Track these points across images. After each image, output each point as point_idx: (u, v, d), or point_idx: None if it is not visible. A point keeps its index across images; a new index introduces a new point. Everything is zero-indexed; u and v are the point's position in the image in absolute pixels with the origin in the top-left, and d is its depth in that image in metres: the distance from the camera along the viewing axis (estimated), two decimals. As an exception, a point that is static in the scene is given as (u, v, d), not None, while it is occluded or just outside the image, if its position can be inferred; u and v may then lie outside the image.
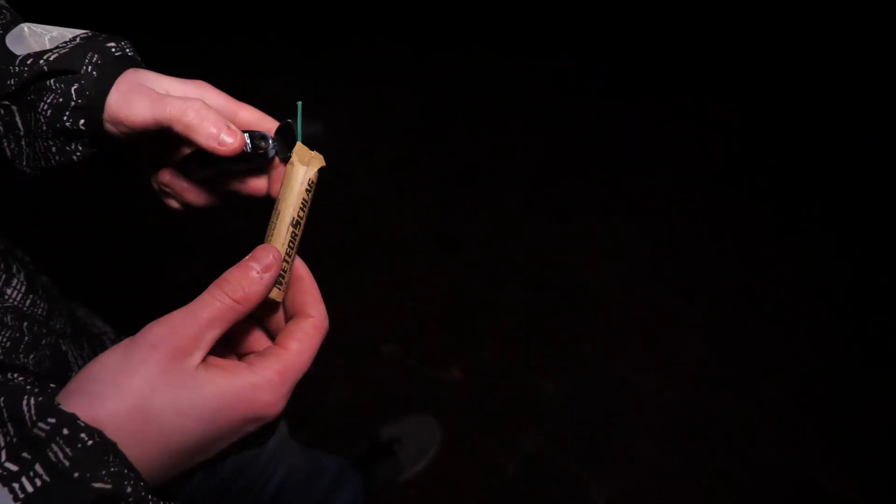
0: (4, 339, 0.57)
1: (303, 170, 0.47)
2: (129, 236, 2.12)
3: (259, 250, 0.43)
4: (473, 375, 1.83)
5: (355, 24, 3.10)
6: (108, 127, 0.50)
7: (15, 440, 0.33)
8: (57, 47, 0.51)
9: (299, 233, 0.46)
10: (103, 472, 0.33)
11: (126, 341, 0.38)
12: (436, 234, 2.17)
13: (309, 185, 0.47)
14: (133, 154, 0.56)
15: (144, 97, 0.49)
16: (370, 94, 2.71)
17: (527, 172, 2.36)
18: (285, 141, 0.53)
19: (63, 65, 0.50)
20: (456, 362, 1.86)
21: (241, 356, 0.45)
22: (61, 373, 0.62)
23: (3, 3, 0.56)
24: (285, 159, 0.52)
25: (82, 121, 0.50)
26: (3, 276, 0.58)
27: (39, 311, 0.61)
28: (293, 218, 0.46)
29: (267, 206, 0.51)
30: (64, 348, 0.64)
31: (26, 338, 0.59)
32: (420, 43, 2.97)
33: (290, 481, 1.24)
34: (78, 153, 0.53)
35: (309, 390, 1.59)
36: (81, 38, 0.52)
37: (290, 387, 0.41)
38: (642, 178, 2.39)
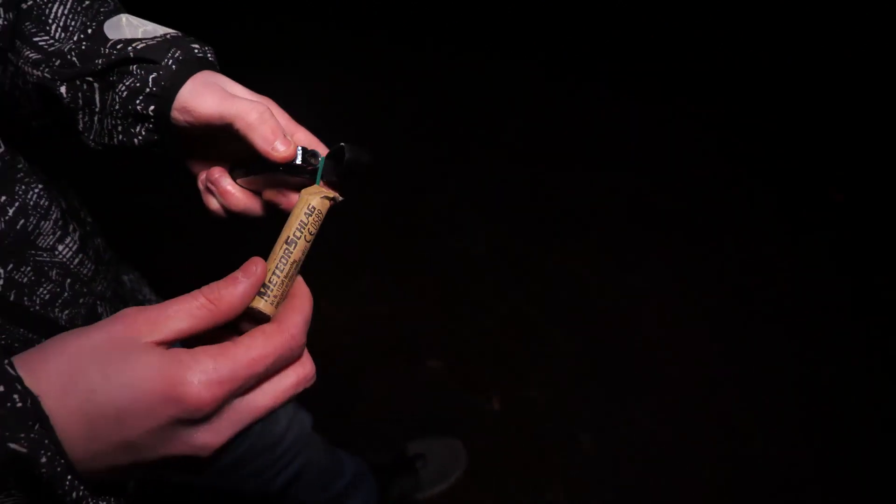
0: (44, 292, 0.60)
1: (307, 197, 0.49)
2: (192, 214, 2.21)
3: (247, 262, 0.44)
4: (512, 410, 1.80)
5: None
6: (175, 115, 0.54)
7: None
8: (146, 38, 0.55)
9: (294, 251, 0.47)
10: (22, 436, 0.34)
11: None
12: (509, 259, 2.15)
13: (309, 209, 0.49)
14: (188, 147, 0.60)
15: (215, 93, 0.53)
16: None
17: (615, 214, 2.31)
18: (335, 164, 0.55)
19: (147, 54, 0.54)
20: (498, 393, 1.84)
21: None
22: None
23: None
24: (330, 182, 0.55)
25: (152, 107, 0.54)
26: (59, 233, 0.62)
27: (85, 271, 0.65)
28: (288, 237, 0.48)
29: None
30: (100, 310, 0.67)
31: (66, 294, 0.62)
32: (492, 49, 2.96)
33: (306, 474, 1.26)
34: (140, 137, 0.57)
35: (344, 388, 1.60)
36: (171, 36, 0.56)
37: (225, 379, 0.38)
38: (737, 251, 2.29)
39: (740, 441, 1.74)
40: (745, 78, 2.83)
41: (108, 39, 0.56)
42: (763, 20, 2.98)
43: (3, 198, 0.56)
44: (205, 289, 0.42)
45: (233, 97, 0.53)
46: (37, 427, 0.35)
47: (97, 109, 0.57)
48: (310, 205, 0.49)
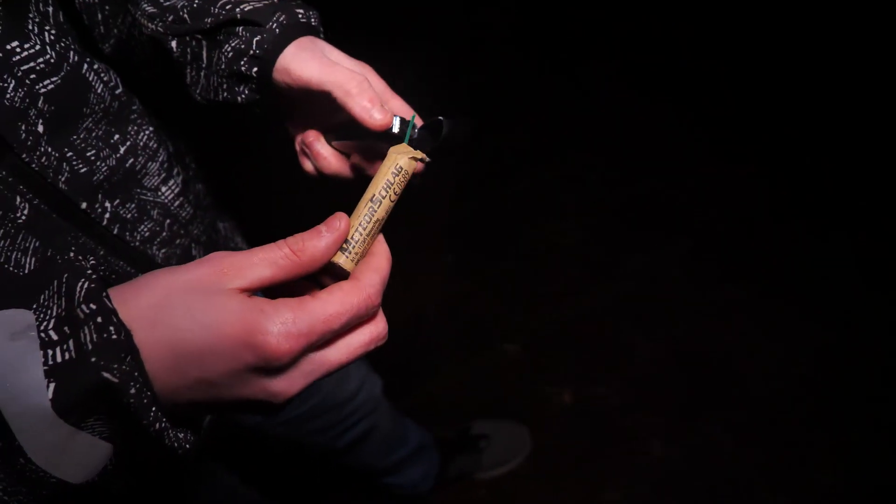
0: (145, 230, 0.64)
1: (395, 156, 0.49)
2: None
3: (331, 216, 0.45)
4: (583, 405, 1.78)
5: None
6: (276, 78, 0.56)
7: (63, 314, 0.38)
8: (254, 0, 0.57)
9: (378, 210, 0.47)
10: (115, 366, 0.37)
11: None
12: (598, 254, 2.11)
13: (396, 168, 0.49)
14: (288, 109, 0.62)
15: (316, 59, 0.55)
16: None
17: (716, 222, 2.21)
18: (431, 135, 0.57)
19: (253, 17, 0.56)
20: (571, 387, 1.81)
21: None
22: None
23: None
24: (426, 151, 0.55)
25: (255, 69, 0.57)
26: (164, 175, 0.66)
27: (184, 214, 0.68)
28: (373, 195, 0.48)
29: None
30: (194, 252, 0.71)
31: (164, 233, 0.66)
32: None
33: (371, 438, 1.29)
34: (243, 95, 0.60)
35: (417, 359, 1.62)
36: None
37: (303, 332, 0.40)
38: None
39: (816, 471, 1.64)
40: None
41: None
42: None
43: (117, 136, 0.60)
44: (289, 239, 0.43)
45: (333, 64, 0.55)
46: (128, 359, 0.37)
47: (204, 65, 0.60)
48: (397, 164, 0.49)
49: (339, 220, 0.44)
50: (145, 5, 0.60)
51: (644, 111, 2.59)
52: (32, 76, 0.51)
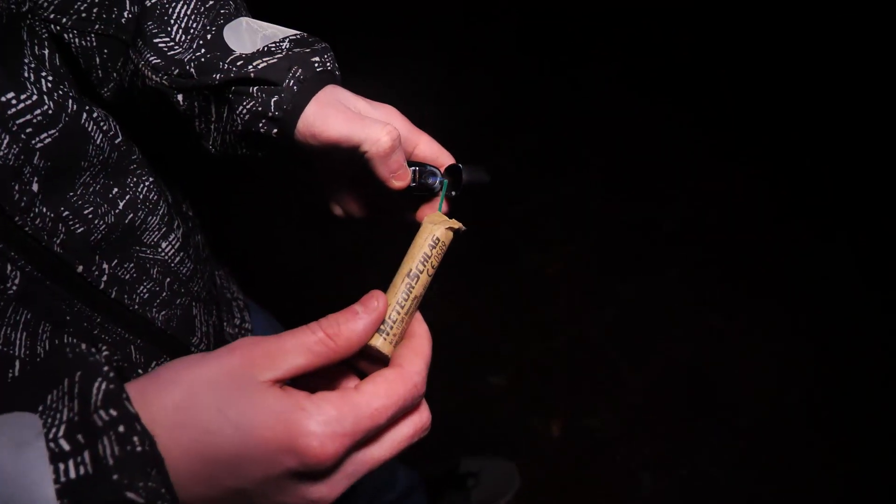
0: (144, 291, 0.58)
1: (430, 227, 0.46)
2: (283, 212, 2.22)
3: (367, 294, 0.42)
4: (572, 439, 1.74)
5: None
6: (299, 137, 0.52)
7: (76, 419, 0.33)
8: (265, 53, 0.53)
9: (416, 286, 0.45)
10: (140, 484, 0.32)
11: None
12: (584, 283, 2.08)
13: (433, 241, 0.46)
14: (313, 160, 0.58)
15: (340, 114, 0.51)
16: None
17: (699, 248, 2.20)
18: (454, 179, 0.56)
19: (268, 76, 0.52)
20: (559, 419, 1.78)
21: None
22: (184, 335, 0.63)
23: None
24: (448, 196, 0.56)
25: (275, 130, 0.53)
26: (164, 230, 0.61)
27: (184, 271, 0.63)
28: (411, 270, 0.45)
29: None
30: (194, 312, 0.66)
31: (164, 293, 0.61)
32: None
33: (360, 485, 1.23)
34: (263, 152, 0.57)
35: None
36: (290, 42, 0.54)
37: (348, 432, 0.36)
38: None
39: (804, 499, 1.64)
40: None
41: (228, 50, 0.54)
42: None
43: (115, 190, 0.55)
44: (323, 322, 0.39)
45: (360, 118, 0.52)
46: (154, 473, 0.33)
47: (213, 119, 0.56)
48: (434, 236, 0.46)
49: (376, 300, 0.41)
50: (149, 55, 0.55)
51: (643, 114, 2.58)
52: (28, 130, 0.46)
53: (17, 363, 0.45)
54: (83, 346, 0.36)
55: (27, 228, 0.47)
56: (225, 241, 0.84)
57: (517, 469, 1.66)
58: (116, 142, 0.55)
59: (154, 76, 0.54)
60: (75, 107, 0.50)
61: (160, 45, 0.55)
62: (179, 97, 0.54)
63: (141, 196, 0.58)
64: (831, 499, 1.63)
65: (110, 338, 0.54)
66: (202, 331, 0.67)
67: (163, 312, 0.60)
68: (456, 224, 0.47)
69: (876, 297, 2.02)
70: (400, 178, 0.53)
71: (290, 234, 2.15)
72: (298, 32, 0.56)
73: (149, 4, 0.56)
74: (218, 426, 0.35)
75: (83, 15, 0.55)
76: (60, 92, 0.49)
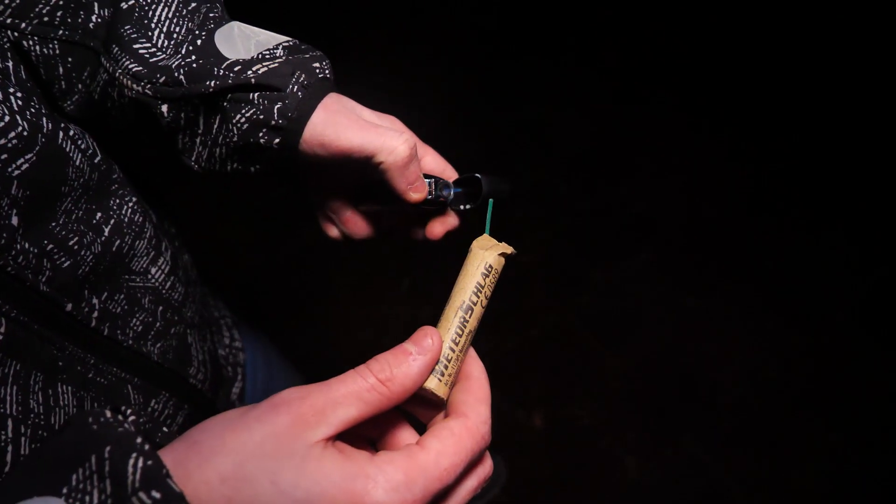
0: (137, 323, 0.53)
1: (481, 253, 0.43)
2: (263, 223, 2.15)
3: (418, 331, 0.38)
4: (555, 429, 1.74)
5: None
6: (305, 147, 0.49)
7: (109, 502, 0.29)
8: (263, 58, 0.49)
9: (470, 320, 0.41)
10: None
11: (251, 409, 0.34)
12: (559, 270, 2.07)
13: (486, 269, 0.42)
14: (309, 175, 0.54)
15: (352, 122, 0.48)
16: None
17: (674, 232, 2.21)
18: (465, 193, 0.55)
19: (270, 80, 0.47)
20: (541, 409, 1.77)
21: None
22: (182, 367, 0.59)
23: None
24: (458, 210, 0.56)
25: (277, 140, 0.49)
26: (153, 254, 0.55)
27: (176, 296, 0.58)
28: (464, 302, 0.41)
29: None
30: (189, 340, 0.61)
31: (158, 324, 0.56)
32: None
33: None
34: (256, 167, 0.52)
35: None
36: (284, 48, 0.51)
37: (418, 498, 0.33)
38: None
39: (790, 473, 1.66)
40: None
41: (221, 57, 0.50)
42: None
43: (99, 215, 0.50)
44: (373, 365, 0.36)
45: (374, 127, 0.49)
46: None
47: (200, 131, 0.51)
48: (486, 263, 0.42)
49: (429, 338, 0.37)
50: (128, 63, 0.49)
51: (609, 98, 2.57)
52: (4, 157, 0.41)
53: (10, 422, 0.40)
54: (107, 413, 0.31)
55: (9, 269, 0.41)
56: (208, 257, 0.78)
57: (504, 463, 1.64)
58: (96, 161, 0.49)
59: (135, 85, 0.49)
60: (51, 125, 0.44)
61: (141, 50, 0.50)
62: (164, 108, 0.49)
63: (126, 219, 0.52)
64: (817, 472, 1.67)
65: (105, 379, 0.49)
66: (199, 359, 0.62)
67: (158, 345, 0.55)
68: (508, 249, 0.44)
69: (849, 274, 2.06)
70: (417, 191, 0.50)
71: (271, 241, 2.09)
72: (291, 39, 0.52)
73: (125, 7, 0.51)
74: (272, 501, 0.31)
75: (45, 19, 0.49)
76: (32, 110, 0.43)
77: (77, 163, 0.47)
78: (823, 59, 2.65)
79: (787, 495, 1.63)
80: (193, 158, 0.53)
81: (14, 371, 0.41)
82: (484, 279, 0.42)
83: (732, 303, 1.98)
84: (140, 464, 0.29)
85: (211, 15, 0.53)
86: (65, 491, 0.29)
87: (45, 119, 0.44)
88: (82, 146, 0.48)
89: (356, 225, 0.57)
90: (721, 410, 1.77)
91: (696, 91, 2.61)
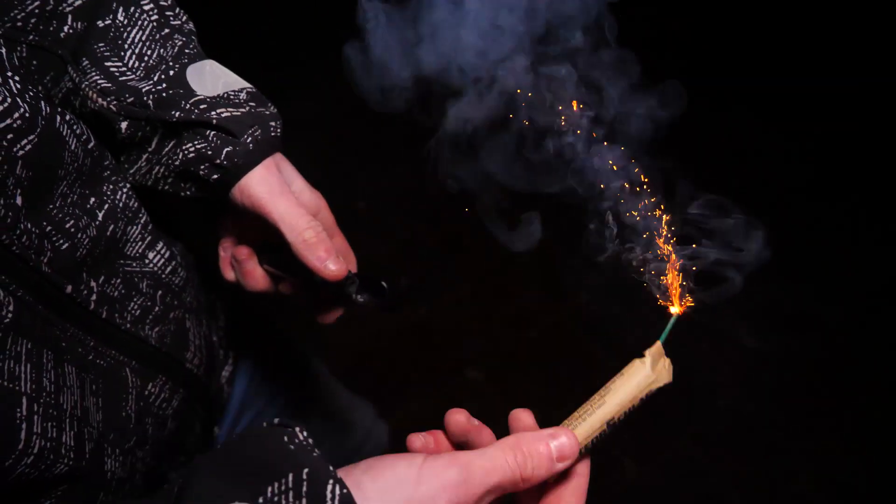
0: (135, 307, 0.54)
1: (649, 376, 0.44)
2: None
3: (564, 434, 0.43)
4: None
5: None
6: (234, 192, 0.54)
7: None
8: (227, 102, 0.54)
9: (608, 433, 0.44)
10: None
11: (419, 460, 0.41)
12: (555, 271, 2.06)
13: (648, 395, 0.44)
14: (230, 215, 0.60)
15: (280, 191, 0.54)
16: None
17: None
18: (372, 295, 0.58)
19: (229, 126, 0.53)
20: (537, 410, 1.76)
21: None
22: (179, 352, 0.59)
23: (193, 28, 0.59)
24: (364, 302, 0.58)
25: (216, 176, 0.53)
26: (149, 239, 0.56)
27: (177, 281, 0.59)
28: (612, 418, 0.44)
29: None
30: (187, 325, 0.61)
31: (156, 308, 0.56)
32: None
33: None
34: (188, 192, 0.57)
35: (382, 397, 1.50)
36: (248, 94, 0.55)
37: None
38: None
39: (789, 478, 1.66)
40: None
41: (190, 91, 0.54)
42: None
43: (93, 200, 0.50)
44: (519, 456, 0.42)
45: (294, 204, 0.54)
46: None
47: (150, 149, 0.55)
48: (651, 391, 0.44)
49: (571, 448, 0.44)
50: (97, 77, 0.53)
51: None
52: (9, 136, 0.42)
53: (25, 400, 0.41)
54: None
55: (14, 248, 0.42)
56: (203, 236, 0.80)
57: None
58: (89, 146, 0.51)
59: (100, 99, 0.53)
60: (48, 109, 0.46)
61: (111, 68, 0.54)
62: (124, 125, 0.53)
63: (120, 204, 0.53)
64: (816, 472, 1.66)
65: (105, 362, 0.50)
66: (195, 344, 0.63)
67: (156, 329, 0.56)
68: (668, 374, 0.46)
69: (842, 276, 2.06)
70: (336, 265, 0.54)
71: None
72: (252, 86, 0.57)
73: (101, 25, 0.54)
74: None
75: (18, 24, 0.51)
76: (31, 93, 0.44)
77: (73, 147, 0.48)
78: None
79: (785, 498, 1.63)
80: (133, 170, 0.56)
81: (26, 349, 0.42)
82: (641, 403, 0.44)
83: (731, 304, 1.97)
84: (338, 491, 0.34)
85: (187, 50, 0.56)
86: (261, 501, 0.33)
87: (42, 103, 0.45)
88: (77, 131, 0.49)
89: (254, 278, 0.60)
90: (719, 412, 1.76)
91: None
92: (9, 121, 0.41)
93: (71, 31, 0.53)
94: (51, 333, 0.45)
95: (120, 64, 0.54)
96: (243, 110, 0.54)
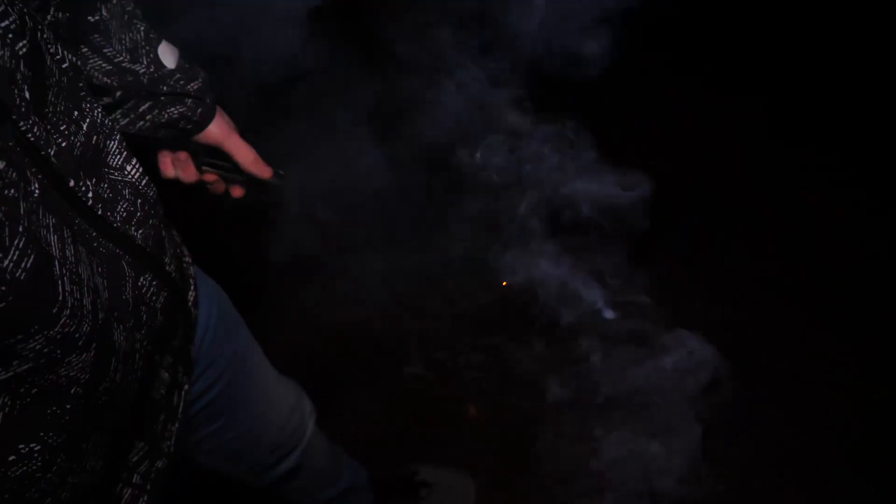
0: (122, 210, 0.61)
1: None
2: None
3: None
4: (502, 420, 1.73)
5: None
6: (200, 134, 0.84)
7: None
8: (191, 75, 0.80)
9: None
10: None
11: None
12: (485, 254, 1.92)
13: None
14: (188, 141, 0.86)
15: (227, 129, 0.86)
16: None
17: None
18: (276, 177, 0.91)
19: (200, 94, 0.81)
20: (484, 402, 1.77)
21: None
22: (159, 254, 0.67)
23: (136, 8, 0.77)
24: (273, 185, 0.90)
25: (190, 126, 0.82)
26: (125, 153, 0.63)
27: (151, 193, 0.66)
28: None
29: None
30: (163, 234, 0.69)
31: (139, 213, 0.63)
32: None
33: (299, 476, 1.17)
34: (161, 134, 0.82)
35: (325, 400, 1.45)
36: (195, 66, 0.82)
37: None
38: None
39: (787, 476, 1.65)
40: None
41: (169, 70, 0.78)
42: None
43: (76, 113, 0.57)
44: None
45: (237, 138, 0.86)
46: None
47: (127, 108, 0.78)
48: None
49: None
50: (99, 61, 0.73)
51: None
52: (10, 36, 0.48)
53: (56, 263, 0.46)
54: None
55: (29, 136, 0.48)
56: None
57: (474, 485, 1.62)
58: (63, 66, 0.56)
59: (104, 77, 0.75)
60: (31, 23, 0.51)
61: (108, 54, 0.74)
62: (119, 94, 0.76)
63: (98, 120, 0.60)
64: (816, 474, 1.63)
65: (106, 250, 0.56)
66: (171, 253, 0.70)
67: (140, 231, 0.63)
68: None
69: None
70: (266, 173, 0.88)
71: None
72: (193, 64, 0.82)
73: (91, 20, 0.72)
74: None
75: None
76: (19, 5, 0.50)
77: (48, 63, 0.54)
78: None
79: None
80: (115, 116, 0.78)
81: (52, 223, 0.48)
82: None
83: (682, 281, 1.99)
84: None
85: (151, 36, 0.77)
86: None
87: (27, 17, 0.51)
88: (52, 51, 0.55)
89: (190, 172, 0.88)
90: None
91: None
92: (6, 22, 0.47)
93: (53, 19, 0.66)
94: (65, 217, 0.51)
95: (112, 50, 0.74)
96: (202, 79, 0.81)
